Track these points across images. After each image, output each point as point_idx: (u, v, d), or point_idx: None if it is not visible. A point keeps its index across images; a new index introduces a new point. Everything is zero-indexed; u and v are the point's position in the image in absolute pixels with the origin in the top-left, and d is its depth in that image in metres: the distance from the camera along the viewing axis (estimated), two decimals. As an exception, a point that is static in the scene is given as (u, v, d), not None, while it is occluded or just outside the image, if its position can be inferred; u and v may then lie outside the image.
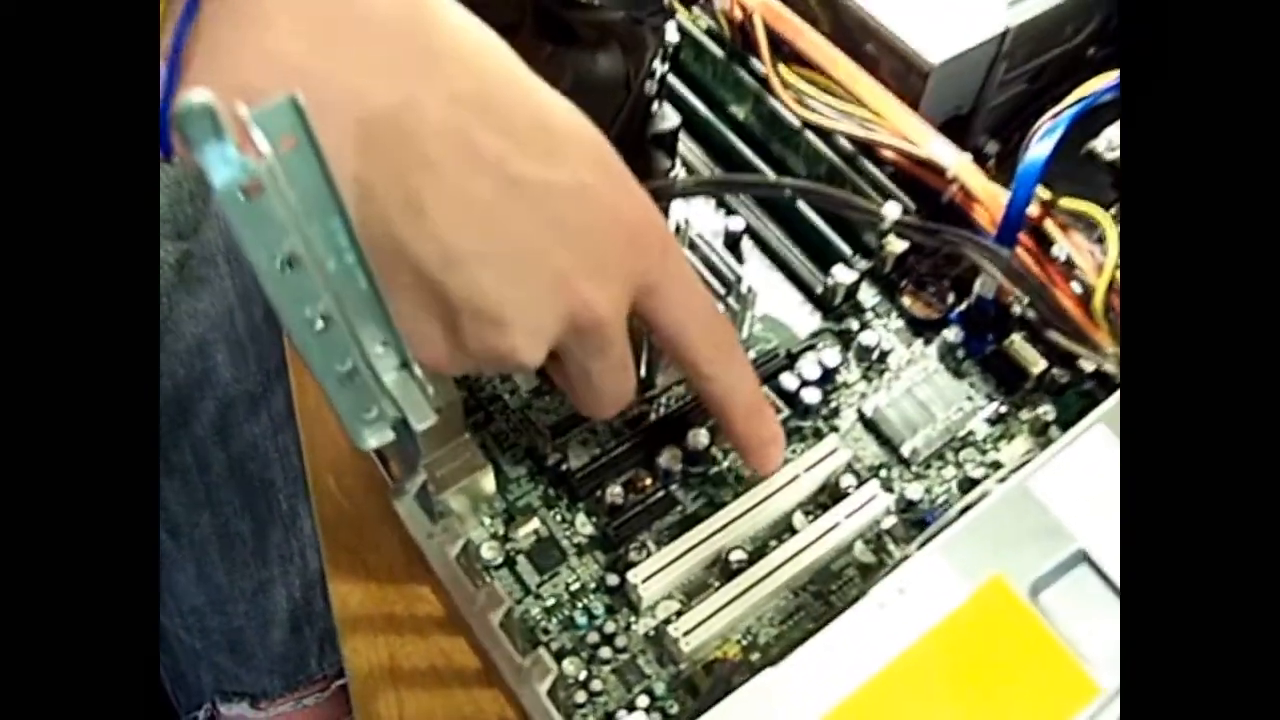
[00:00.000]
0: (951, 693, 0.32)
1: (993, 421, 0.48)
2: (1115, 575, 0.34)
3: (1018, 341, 0.49)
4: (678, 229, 0.49)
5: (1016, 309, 0.50)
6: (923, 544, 0.36)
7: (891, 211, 0.47)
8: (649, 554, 0.43)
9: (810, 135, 0.52)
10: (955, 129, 0.52)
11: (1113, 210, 0.44)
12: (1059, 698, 0.32)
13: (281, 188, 0.27)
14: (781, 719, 0.32)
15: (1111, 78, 0.47)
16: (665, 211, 0.50)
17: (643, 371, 0.48)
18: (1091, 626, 0.34)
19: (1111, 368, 0.44)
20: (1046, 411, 0.48)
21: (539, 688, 0.32)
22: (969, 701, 0.32)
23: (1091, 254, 0.44)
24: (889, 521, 0.45)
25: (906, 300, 0.52)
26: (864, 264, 0.51)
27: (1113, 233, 0.43)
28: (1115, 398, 0.38)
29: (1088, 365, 0.49)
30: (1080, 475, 0.36)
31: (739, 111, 0.55)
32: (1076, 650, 0.33)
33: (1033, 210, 0.46)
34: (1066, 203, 0.45)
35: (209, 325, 0.64)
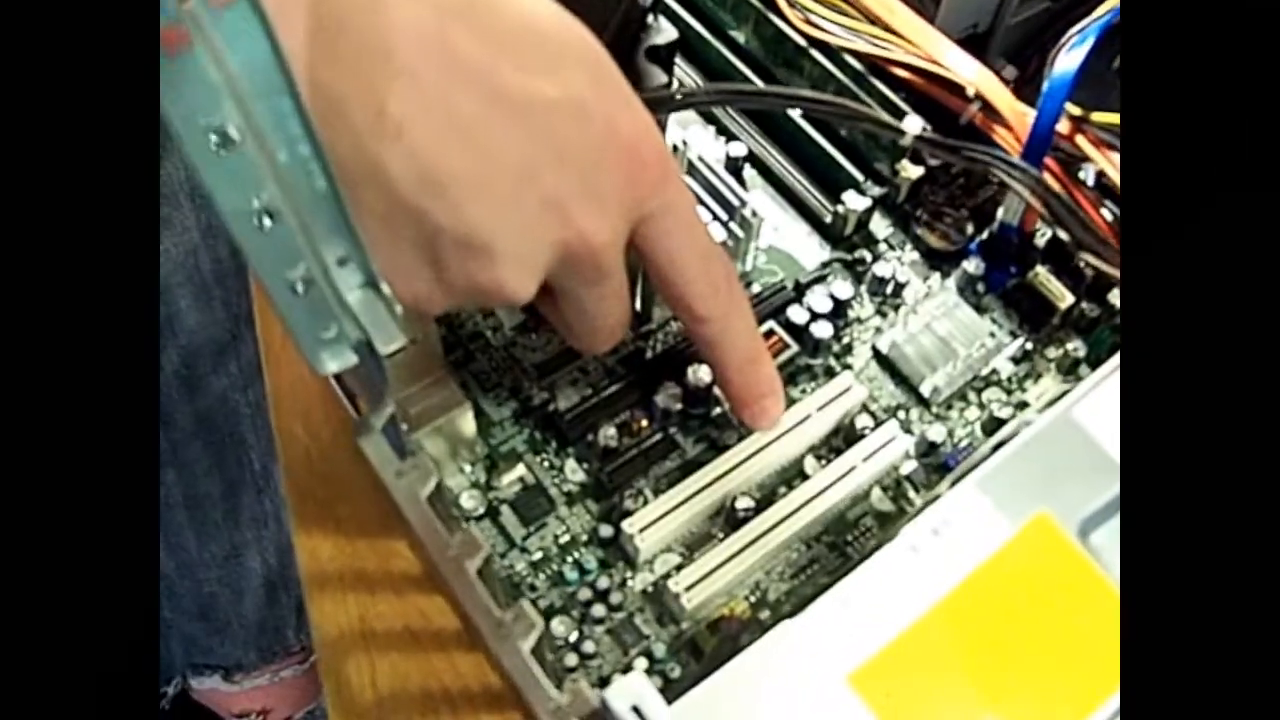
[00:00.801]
0: (995, 645, 0.28)
1: (1017, 359, 0.45)
2: (1173, 513, 0.30)
3: (1043, 274, 0.45)
4: (675, 150, 0.45)
5: (1041, 239, 0.46)
6: (954, 483, 0.33)
7: (912, 126, 0.43)
8: (646, 502, 0.39)
9: (817, 54, 0.47)
10: (971, 51, 0.48)
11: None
12: (1114, 648, 0.28)
13: (215, 46, 0.23)
14: (803, 678, 0.28)
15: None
16: (662, 130, 0.46)
17: (638, 304, 0.44)
18: (1148, 570, 0.30)
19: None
20: (1076, 348, 0.45)
21: (522, 645, 0.28)
22: (1015, 654, 0.28)
23: (1131, 170, 0.40)
24: (909, 466, 0.41)
25: (922, 230, 0.47)
26: (877, 191, 0.46)
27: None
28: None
29: (1117, 300, 0.45)
30: (1130, 403, 0.32)
31: (739, 35, 0.51)
32: (1133, 595, 0.29)
33: (1061, 130, 0.42)
34: (1100, 117, 0.41)
35: (171, 268, 0.59)
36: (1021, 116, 0.43)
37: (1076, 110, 0.41)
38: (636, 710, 0.26)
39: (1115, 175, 0.41)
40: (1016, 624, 0.29)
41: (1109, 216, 0.42)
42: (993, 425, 0.42)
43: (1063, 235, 0.43)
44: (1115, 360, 0.33)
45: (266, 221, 0.26)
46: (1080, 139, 0.41)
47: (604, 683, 0.37)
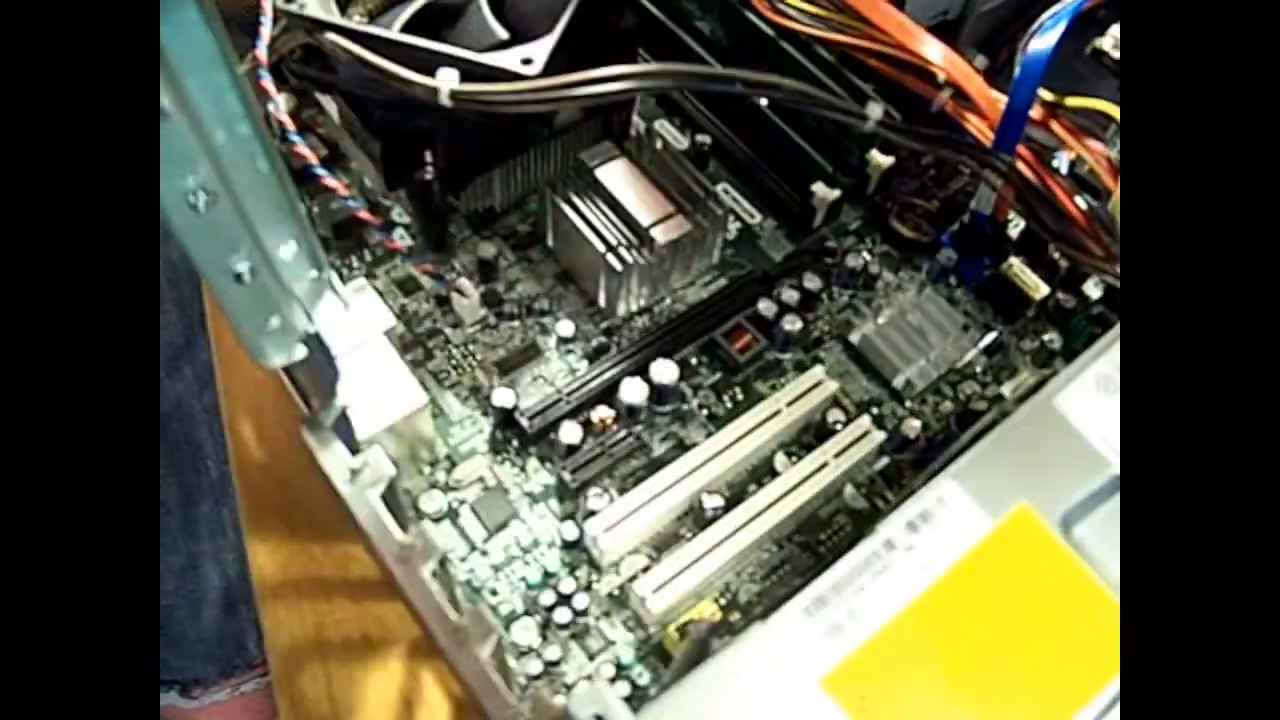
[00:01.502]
0: (975, 644, 0.27)
1: (992, 352, 0.43)
2: (1157, 505, 0.29)
3: (1017, 265, 0.45)
4: (639, 137, 0.43)
5: (1014, 230, 0.45)
6: (930, 478, 0.31)
7: (874, 112, 0.41)
8: (611, 502, 0.38)
9: (785, 44, 0.46)
10: (940, 39, 0.47)
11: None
12: (1099, 646, 0.27)
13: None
14: (775, 683, 0.26)
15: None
16: (625, 120, 0.45)
17: (602, 301, 0.42)
18: (1133, 564, 0.29)
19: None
20: (1051, 340, 0.44)
21: (480, 651, 0.27)
22: (996, 653, 0.27)
23: (1106, 158, 0.39)
24: (882, 462, 0.40)
25: (893, 221, 0.46)
26: (846, 181, 0.45)
27: (1131, 126, 0.38)
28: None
29: (1094, 290, 0.44)
30: (1111, 391, 0.31)
31: (704, 24, 0.50)
32: (1117, 591, 0.28)
33: (1035, 116, 0.41)
34: (1074, 101, 0.40)
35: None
36: (993, 102, 0.42)
37: (1049, 95, 0.40)
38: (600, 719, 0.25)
39: (1091, 162, 0.40)
40: (997, 622, 0.27)
41: (1084, 205, 0.41)
42: (968, 419, 0.41)
43: (1034, 225, 0.42)
44: (1097, 347, 0.32)
45: (202, 201, 0.24)
46: (1054, 125, 0.40)
47: (568, 690, 0.35)
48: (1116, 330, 0.33)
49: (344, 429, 0.31)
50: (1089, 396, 0.31)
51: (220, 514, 0.67)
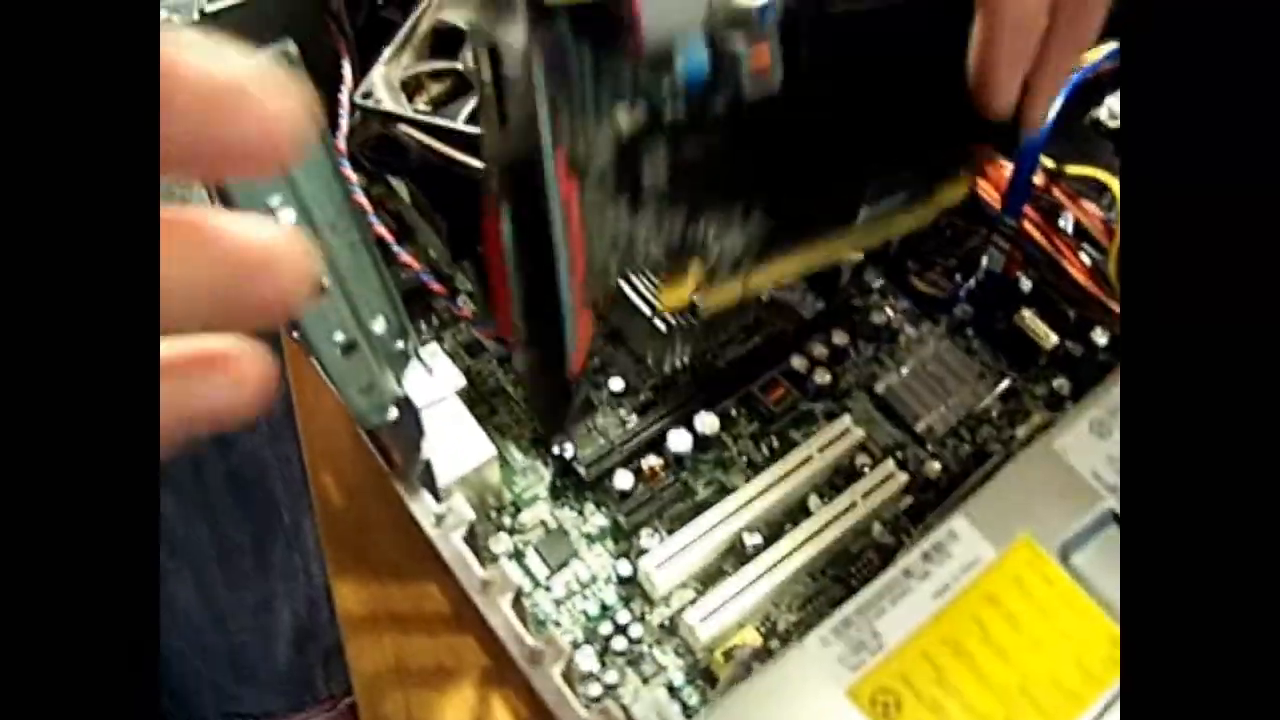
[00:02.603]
0: (985, 657, 0.31)
1: (1006, 397, 0.47)
2: (1147, 536, 0.33)
3: (1028, 316, 0.48)
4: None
5: (1025, 284, 0.49)
6: (945, 512, 0.35)
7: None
8: (661, 541, 0.42)
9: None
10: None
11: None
12: (1097, 661, 0.31)
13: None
14: (807, 694, 0.30)
15: (1108, 48, 0.46)
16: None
17: (650, 359, 0.47)
18: (1125, 588, 0.32)
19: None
20: (1061, 385, 0.47)
21: (552, 670, 0.31)
22: (1004, 666, 0.31)
23: (1102, 220, 0.43)
24: (906, 501, 0.44)
25: (913, 279, 0.51)
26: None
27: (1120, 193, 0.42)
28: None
29: (1101, 338, 0.48)
30: (1104, 435, 0.35)
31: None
32: (1112, 613, 0.32)
33: (1038, 181, 0.45)
34: (1073, 169, 0.44)
35: (206, 335, 0.63)
36: (999, 169, 0.46)
37: (1051, 163, 0.45)
38: (659, 725, 0.29)
39: (1088, 223, 0.44)
40: (1002, 639, 0.31)
41: (1087, 261, 0.45)
42: (985, 460, 0.45)
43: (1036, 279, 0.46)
44: (1091, 396, 0.36)
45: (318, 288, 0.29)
46: (1056, 190, 0.44)
47: (625, 711, 0.39)
48: (1108, 379, 0.37)
49: (427, 479, 0.35)
50: (1084, 439, 0.35)
51: (293, 558, 0.72)
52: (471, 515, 0.34)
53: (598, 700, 0.39)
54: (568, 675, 0.31)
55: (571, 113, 0.25)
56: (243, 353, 0.20)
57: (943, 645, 0.31)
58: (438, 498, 0.34)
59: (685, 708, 0.39)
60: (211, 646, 0.71)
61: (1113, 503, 0.34)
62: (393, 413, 0.33)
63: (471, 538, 0.34)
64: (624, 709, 0.39)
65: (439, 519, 0.34)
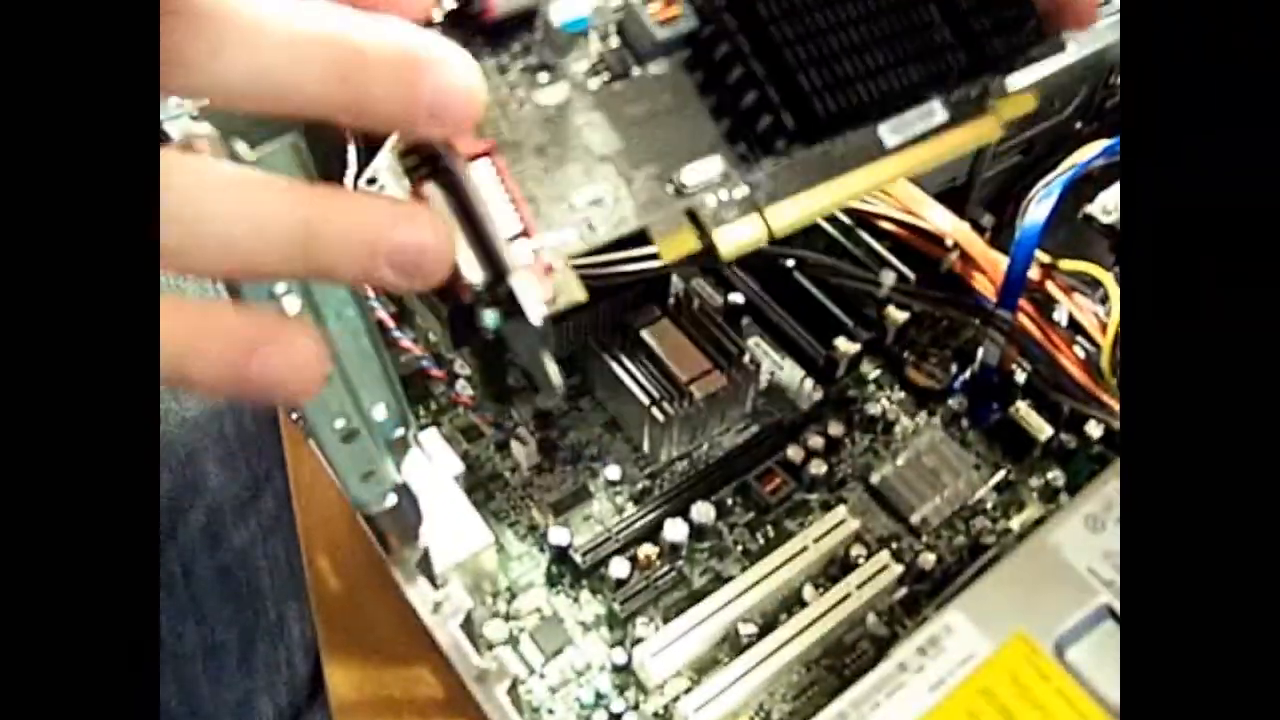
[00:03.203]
0: (979, 755, 0.31)
1: (1001, 489, 0.48)
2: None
3: (1023, 409, 0.49)
4: (678, 301, 0.49)
5: (1020, 376, 0.49)
6: (940, 604, 0.35)
7: (887, 278, 0.46)
8: (656, 630, 0.42)
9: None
10: (950, 203, 0.52)
11: (1115, 270, 0.44)
12: (1091, 758, 0.31)
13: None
14: (803, 786, 0.30)
15: (1100, 145, 0.47)
16: (663, 285, 0.50)
17: (646, 448, 0.47)
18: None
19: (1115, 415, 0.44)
20: (1055, 478, 0.48)
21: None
22: (998, 764, 0.31)
23: (1095, 315, 0.44)
24: (901, 593, 0.44)
25: (909, 371, 0.51)
26: (866, 335, 0.50)
27: (1114, 289, 0.43)
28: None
29: (1095, 431, 0.48)
30: (1098, 530, 0.35)
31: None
32: (1108, 707, 0.32)
33: (1033, 275, 0.46)
34: (1067, 264, 0.45)
35: (199, 433, 0.63)
36: (995, 263, 0.46)
37: (1046, 258, 0.45)
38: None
39: (1081, 318, 0.44)
40: (999, 735, 0.31)
41: (1081, 354, 0.45)
42: (979, 551, 0.45)
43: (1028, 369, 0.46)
44: (1086, 492, 0.36)
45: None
46: (1050, 284, 0.45)
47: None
48: (1103, 476, 0.37)
49: (424, 566, 0.35)
50: (1078, 534, 0.35)
51: (277, 651, 0.71)
52: (469, 603, 0.34)
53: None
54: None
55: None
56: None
57: (938, 740, 0.31)
58: (435, 585, 0.34)
59: (679, 800, 0.39)
60: (192, 745, 0.70)
61: (1108, 598, 0.34)
62: (391, 499, 0.33)
63: (468, 625, 0.34)
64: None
65: (436, 606, 0.34)
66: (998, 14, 0.31)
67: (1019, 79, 0.33)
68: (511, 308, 0.26)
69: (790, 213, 0.29)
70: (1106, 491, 0.36)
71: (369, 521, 0.45)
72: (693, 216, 0.28)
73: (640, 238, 0.28)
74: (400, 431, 0.34)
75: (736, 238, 0.28)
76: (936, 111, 0.31)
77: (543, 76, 0.26)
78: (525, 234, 0.26)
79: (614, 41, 0.28)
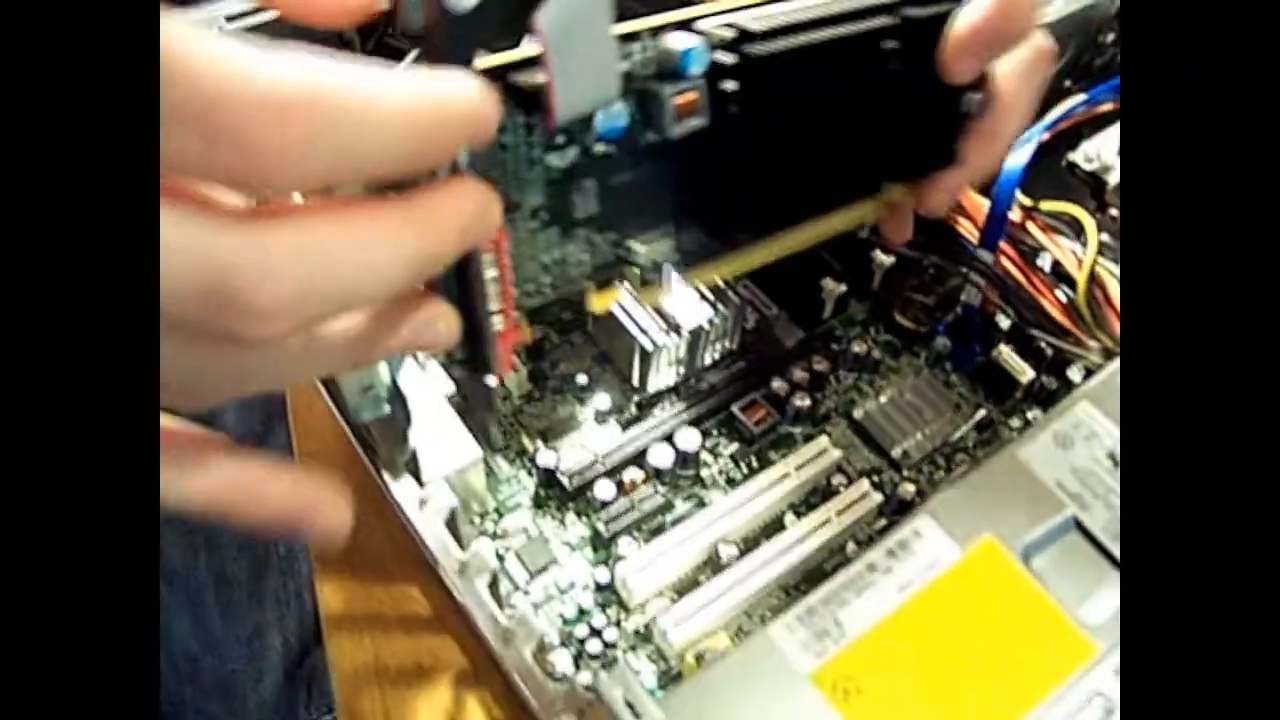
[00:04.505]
0: (944, 651, 0.32)
1: (982, 428, 0.49)
2: (1108, 543, 0.34)
3: (1006, 352, 0.50)
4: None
5: (1003, 320, 0.50)
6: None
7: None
8: (639, 548, 0.43)
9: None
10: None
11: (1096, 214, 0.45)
12: (1054, 658, 0.32)
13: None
14: (771, 676, 0.31)
15: (1080, 97, 0.49)
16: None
17: (635, 379, 0.48)
18: (1084, 591, 0.33)
19: (1098, 360, 0.45)
20: (1036, 418, 0.48)
21: (525, 649, 0.32)
22: (962, 660, 0.32)
23: (1074, 254, 0.45)
24: (881, 524, 0.45)
25: (895, 314, 0.52)
26: (851, 278, 0.51)
27: (1091, 227, 0.44)
28: (1101, 376, 0.38)
29: (1076, 375, 0.49)
30: (1067, 446, 0.36)
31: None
32: (1070, 613, 0.33)
33: (1016, 218, 0.47)
34: (1048, 205, 0.46)
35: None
36: (978, 207, 0.47)
37: (1027, 200, 0.46)
38: (625, 696, 0.29)
39: (1062, 258, 0.45)
40: (962, 633, 0.32)
41: (1063, 299, 0.46)
42: (958, 485, 0.46)
43: (1012, 315, 0.47)
44: (1056, 409, 0.37)
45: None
46: (1031, 225, 0.46)
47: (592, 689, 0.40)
48: (1073, 395, 0.38)
49: (413, 466, 0.36)
50: (1048, 450, 0.36)
51: (286, 585, 0.73)
52: (453, 501, 0.35)
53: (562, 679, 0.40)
54: (538, 655, 0.32)
55: (505, 168, 0.27)
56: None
57: (904, 637, 0.32)
58: (421, 484, 0.35)
59: (657, 711, 0.40)
60: (203, 675, 0.72)
61: (1075, 510, 0.35)
62: (386, 409, 0.35)
63: (453, 523, 0.35)
64: (590, 688, 0.40)
65: (421, 503, 0.35)
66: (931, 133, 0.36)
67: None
68: (472, 365, 0.29)
69: (704, 279, 0.34)
70: (1076, 411, 0.37)
71: (360, 440, 0.46)
72: (623, 277, 0.32)
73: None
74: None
75: (649, 300, 0.34)
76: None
77: (560, 137, 0.28)
78: (504, 311, 0.28)
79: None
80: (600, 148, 0.29)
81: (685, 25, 0.29)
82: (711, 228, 0.32)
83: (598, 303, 0.32)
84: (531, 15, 0.24)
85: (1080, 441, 0.37)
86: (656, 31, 0.29)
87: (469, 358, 0.29)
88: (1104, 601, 0.33)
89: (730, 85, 0.29)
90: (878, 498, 0.44)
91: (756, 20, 0.29)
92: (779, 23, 0.30)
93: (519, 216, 0.28)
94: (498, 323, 0.28)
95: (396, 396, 0.35)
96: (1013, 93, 0.36)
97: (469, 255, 0.27)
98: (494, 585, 0.34)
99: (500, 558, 0.43)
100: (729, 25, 0.30)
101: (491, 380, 0.28)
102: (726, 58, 0.29)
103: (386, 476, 0.35)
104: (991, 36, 0.34)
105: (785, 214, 0.34)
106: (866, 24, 0.32)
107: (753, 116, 0.30)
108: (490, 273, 0.27)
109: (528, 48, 0.26)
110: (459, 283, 0.27)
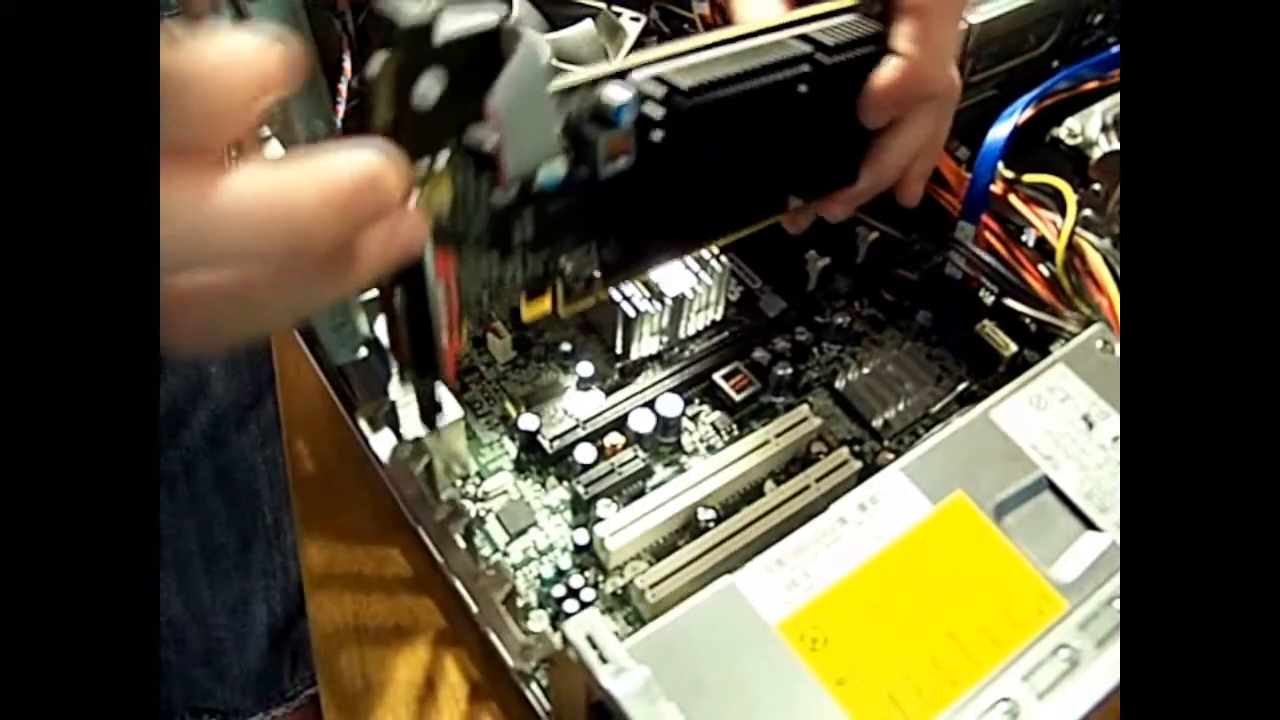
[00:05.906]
0: (913, 604, 0.32)
1: (964, 400, 0.49)
2: (1081, 502, 0.34)
3: (989, 326, 0.50)
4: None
5: (986, 295, 0.51)
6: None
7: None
8: (618, 511, 0.43)
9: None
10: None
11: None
12: (1023, 612, 0.32)
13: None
14: (739, 624, 0.32)
15: (1062, 71, 0.49)
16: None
17: (618, 346, 0.48)
18: (1056, 549, 0.34)
19: (1075, 329, 0.45)
20: (1017, 390, 0.49)
21: (495, 596, 0.32)
22: (931, 613, 0.32)
23: (1054, 224, 0.45)
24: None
25: (880, 288, 0.52)
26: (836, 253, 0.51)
27: (1071, 198, 0.44)
28: (1078, 340, 0.39)
29: (1058, 349, 0.49)
30: (1041, 408, 0.37)
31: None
32: (1040, 569, 0.33)
33: (996, 190, 0.47)
34: (1030, 177, 0.46)
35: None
36: (962, 180, 0.48)
37: (1009, 173, 0.47)
38: (590, 640, 0.30)
39: (1044, 230, 0.45)
40: (931, 586, 0.32)
41: (1045, 273, 0.47)
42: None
43: (993, 288, 0.48)
44: (1030, 373, 0.38)
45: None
46: (1012, 197, 0.46)
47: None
48: (1047, 360, 0.38)
49: (391, 419, 0.36)
50: (1023, 411, 0.37)
51: (272, 555, 0.73)
52: (432, 454, 0.35)
53: (546, 660, 0.40)
54: (510, 604, 0.32)
55: (457, 209, 0.30)
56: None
57: (874, 589, 0.32)
58: (399, 436, 0.36)
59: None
60: (188, 642, 0.72)
61: (1047, 470, 0.35)
62: (362, 351, 0.35)
63: (429, 475, 0.36)
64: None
65: (396, 453, 0.35)
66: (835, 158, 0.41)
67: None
68: (420, 371, 0.33)
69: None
70: (1051, 374, 0.38)
71: (340, 392, 0.46)
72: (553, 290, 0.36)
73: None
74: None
75: (575, 308, 0.37)
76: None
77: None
78: (449, 326, 0.32)
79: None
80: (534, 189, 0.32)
81: (620, 75, 0.33)
82: (632, 246, 0.36)
83: (529, 312, 0.35)
84: (484, 99, 0.28)
85: (1055, 404, 0.37)
86: (594, 84, 0.32)
87: (418, 365, 0.32)
88: (1075, 559, 0.34)
89: (658, 135, 0.33)
90: (857, 465, 0.44)
91: (682, 74, 0.33)
92: (703, 78, 0.33)
93: (466, 244, 0.31)
94: (445, 336, 0.31)
95: (376, 348, 0.35)
96: (916, 125, 0.41)
97: (422, 278, 0.30)
98: (469, 535, 0.34)
99: (481, 519, 0.44)
100: (658, 79, 0.33)
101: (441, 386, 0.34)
102: (655, 111, 0.33)
103: (366, 429, 0.35)
104: (904, 95, 0.38)
105: (702, 232, 0.39)
106: (783, 74, 0.35)
107: (676, 158, 0.34)
108: (439, 293, 0.31)
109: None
110: (411, 302, 0.30)
